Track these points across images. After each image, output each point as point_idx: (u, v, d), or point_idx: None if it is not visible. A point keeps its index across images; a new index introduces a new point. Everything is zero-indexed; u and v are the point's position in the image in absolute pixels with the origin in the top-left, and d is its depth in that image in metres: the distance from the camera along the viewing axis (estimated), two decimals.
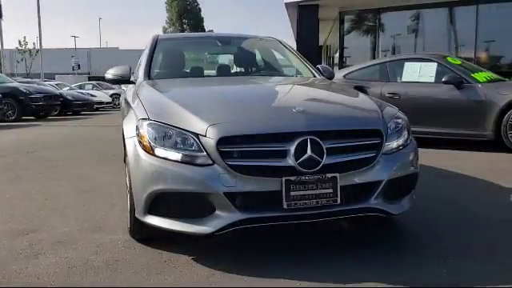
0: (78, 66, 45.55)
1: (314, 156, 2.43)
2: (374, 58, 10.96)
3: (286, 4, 10.58)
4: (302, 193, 2.43)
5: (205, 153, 2.43)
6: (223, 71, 4.18)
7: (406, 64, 7.04)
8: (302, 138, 2.43)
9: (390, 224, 3.14)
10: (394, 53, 10.96)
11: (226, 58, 4.44)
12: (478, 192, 4.16)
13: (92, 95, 21.26)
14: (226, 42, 4.59)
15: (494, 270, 2.41)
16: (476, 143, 6.45)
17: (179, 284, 2.31)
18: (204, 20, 72.76)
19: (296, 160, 2.41)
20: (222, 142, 2.40)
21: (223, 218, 2.42)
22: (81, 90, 22.25)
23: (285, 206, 2.42)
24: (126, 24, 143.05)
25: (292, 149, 2.42)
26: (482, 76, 6.70)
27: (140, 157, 2.57)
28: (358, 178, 2.56)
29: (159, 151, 2.51)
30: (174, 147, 2.50)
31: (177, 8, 70.65)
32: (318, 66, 4.33)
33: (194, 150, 2.46)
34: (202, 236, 2.54)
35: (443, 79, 6.49)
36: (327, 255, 2.64)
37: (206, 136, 2.44)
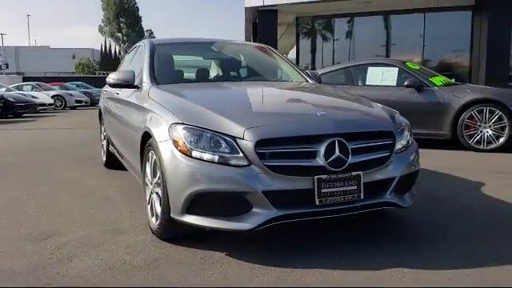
0: (6, 65, 43.02)
1: (342, 156, 2.67)
2: (328, 61, 11.47)
3: (246, 8, 10.82)
4: (331, 190, 2.66)
5: (242, 154, 2.60)
6: (226, 76, 4.35)
7: (370, 69, 7.49)
8: (330, 140, 2.67)
9: (383, 216, 3.46)
10: (349, 58, 11.51)
11: (223, 63, 4.58)
12: (441, 185, 4.60)
13: (33, 97, 20.33)
14: (221, 48, 4.76)
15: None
16: (435, 142, 7.00)
17: (227, 279, 2.46)
18: (142, 19, 71.48)
19: (326, 160, 2.64)
20: (259, 144, 2.59)
21: (261, 214, 2.60)
22: (21, 92, 21.22)
23: (317, 203, 2.64)
24: (57, 22, 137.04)
25: (322, 149, 2.65)
26: (439, 80, 7.28)
27: (178, 159, 2.69)
28: (377, 175, 2.83)
29: (196, 153, 2.65)
30: (211, 149, 2.65)
31: (114, 6, 68.79)
32: (307, 71, 4.60)
33: (230, 152, 2.62)
34: (242, 232, 2.70)
35: (405, 83, 6.99)
36: (347, 246, 2.89)
37: (243, 139, 2.61)
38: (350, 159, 2.70)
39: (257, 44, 4.81)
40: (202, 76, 4.29)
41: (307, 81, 4.32)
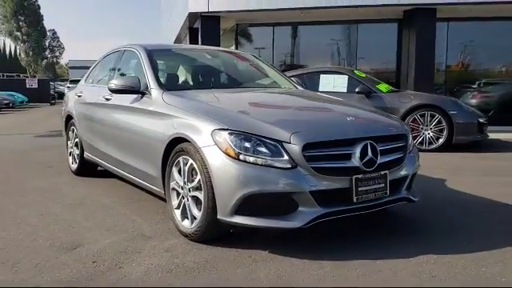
0: None
1: (373, 157, 2.98)
2: None
3: (189, 14, 10.84)
4: (365, 188, 2.96)
5: (287, 157, 2.80)
6: (229, 83, 4.47)
7: (322, 76, 7.96)
8: (364, 143, 2.96)
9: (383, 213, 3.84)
10: (285, 64, 12.02)
11: (220, 70, 4.68)
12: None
13: None
14: (215, 55, 4.87)
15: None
16: None
17: (287, 273, 2.64)
18: (44, 18, 67.32)
19: (361, 161, 2.93)
20: (306, 147, 2.80)
21: (308, 213, 2.82)
22: None
23: (354, 200, 2.92)
24: None
25: (357, 151, 2.93)
26: (383, 87, 7.95)
27: (227, 163, 2.81)
28: (397, 174, 3.18)
29: (244, 157, 2.80)
30: (258, 153, 2.81)
31: (11, 4, 64.04)
32: (292, 78, 4.88)
33: (276, 155, 2.80)
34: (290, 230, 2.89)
35: (356, 90, 7.54)
36: (374, 240, 3.20)
37: (290, 143, 2.81)
38: (379, 160, 3.02)
39: (243, 52, 4.99)
40: (207, 82, 4.39)
41: (296, 87, 4.60)
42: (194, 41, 12.76)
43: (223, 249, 2.98)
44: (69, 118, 5.59)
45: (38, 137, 9.87)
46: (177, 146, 3.23)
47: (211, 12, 10.53)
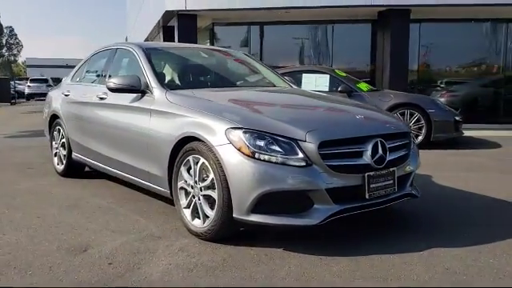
0: None
1: (383, 154, 3.05)
2: None
3: (166, 12, 10.70)
4: (376, 184, 3.03)
5: (302, 155, 2.83)
6: (229, 82, 4.46)
7: (304, 75, 8.05)
8: (375, 140, 3.03)
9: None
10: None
11: (217, 69, 4.67)
12: None
13: None
14: (210, 54, 4.84)
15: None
16: None
17: (306, 270, 2.67)
18: (1, 15, 64.92)
19: (372, 158, 3.00)
20: (321, 145, 2.85)
21: (323, 210, 2.86)
22: None
23: (367, 196, 2.99)
24: None
25: (369, 149, 3.00)
26: (364, 86, 8.11)
27: (242, 162, 2.82)
28: (403, 170, 3.27)
29: (260, 155, 2.81)
30: (273, 151, 2.83)
31: None
32: (286, 77, 4.92)
33: (291, 153, 2.83)
34: (306, 228, 2.93)
35: (339, 89, 7.66)
36: (387, 236, 3.27)
37: (305, 141, 2.84)
38: (388, 157, 3.10)
39: (234, 51, 4.99)
40: (208, 81, 4.36)
41: (291, 86, 4.64)
42: (168, 39, 12.60)
43: (238, 247, 2.99)
44: (54, 117, 5.44)
45: (8, 137, 9.52)
46: (186, 146, 3.21)
47: (189, 10, 10.44)
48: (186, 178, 3.24)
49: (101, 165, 4.48)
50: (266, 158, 2.82)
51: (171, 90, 3.69)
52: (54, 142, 5.50)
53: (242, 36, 12.00)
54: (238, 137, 2.87)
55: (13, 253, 2.95)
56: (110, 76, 4.48)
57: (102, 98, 4.33)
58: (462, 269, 2.69)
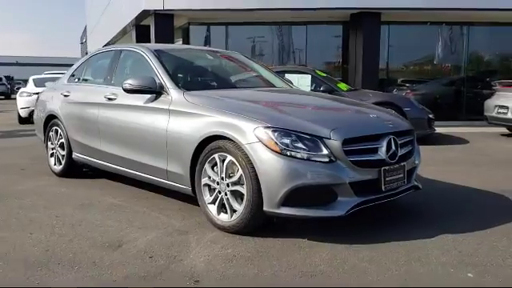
0: None
1: (396, 150, 3.34)
2: None
3: (143, 11, 10.67)
4: (391, 178, 3.32)
5: (327, 151, 3.07)
6: (241, 83, 4.63)
7: (287, 75, 8.26)
8: (388, 137, 3.32)
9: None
10: None
11: (227, 71, 4.83)
12: None
13: None
14: (214, 56, 4.99)
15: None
16: None
17: (336, 257, 2.91)
18: None
19: (386, 154, 3.28)
20: (345, 142, 3.10)
21: (346, 202, 3.11)
22: None
23: (383, 189, 3.27)
24: None
25: (384, 145, 3.28)
26: (343, 86, 8.46)
27: (273, 158, 3.02)
28: (410, 165, 3.57)
29: (289, 152, 3.03)
30: (301, 148, 3.05)
31: None
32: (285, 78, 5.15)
33: (318, 150, 3.07)
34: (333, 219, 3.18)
35: (322, 88, 7.95)
36: (403, 226, 3.56)
37: (330, 138, 3.08)
38: (399, 153, 3.39)
39: (234, 52, 5.18)
40: (219, 82, 4.51)
41: (291, 86, 4.89)
42: (142, 39, 12.56)
43: (265, 239, 3.18)
44: (50, 118, 5.43)
45: None
46: (210, 144, 3.37)
47: (166, 10, 10.48)
48: (210, 175, 3.40)
49: (108, 164, 4.55)
50: (295, 154, 3.04)
51: (188, 90, 3.84)
52: (49, 143, 5.49)
53: (218, 36, 12.14)
54: (268, 135, 3.07)
55: (50, 250, 3.03)
56: (115, 77, 4.58)
57: (110, 99, 4.41)
58: (472, 251, 3.00)
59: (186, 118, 3.61)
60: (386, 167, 3.27)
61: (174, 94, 3.82)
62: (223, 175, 3.32)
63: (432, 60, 13.19)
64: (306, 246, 3.08)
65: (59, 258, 2.89)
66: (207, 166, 3.42)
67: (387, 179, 3.28)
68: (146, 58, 4.24)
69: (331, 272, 2.68)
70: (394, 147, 3.33)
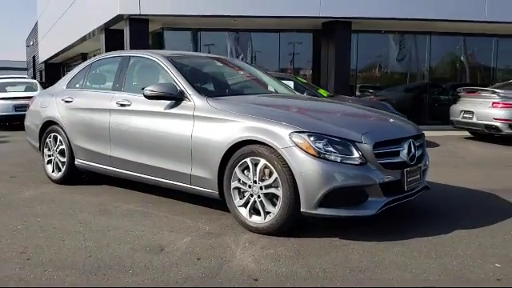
0: None
1: (414, 153, 3.60)
2: None
3: (118, 16, 10.53)
4: (411, 178, 3.57)
5: (358, 154, 3.28)
6: (255, 89, 4.77)
7: None
8: (408, 141, 3.58)
9: None
10: None
11: (237, 77, 4.94)
12: None
13: None
14: (224, 62, 5.10)
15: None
16: None
17: (375, 254, 3.11)
18: None
19: (407, 156, 3.53)
20: (376, 145, 3.32)
21: (376, 202, 3.33)
22: None
23: (406, 189, 3.52)
24: None
25: (405, 148, 3.53)
26: (323, 92, 8.75)
27: (310, 162, 3.19)
28: (424, 166, 3.84)
29: (325, 156, 3.22)
30: (336, 152, 3.25)
31: None
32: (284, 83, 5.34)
33: (351, 153, 3.27)
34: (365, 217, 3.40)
35: (304, 94, 8.20)
36: (419, 223, 3.81)
37: (362, 142, 3.30)
38: (416, 154, 3.65)
39: (235, 59, 5.33)
40: (237, 88, 4.63)
41: (294, 92, 5.09)
42: (112, 43, 12.40)
43: (299, 239, 3.34)
44: (47, 124, 5.33)
45: None
46: (242, 148, 3.49)
47: (141, 15, 10.43)
48: (241, 178, 3.52)
49: (118, 170, 4.54)
50: (330, 157, 3.22)
51: (210, 96, 3.94)
52: (45, 150, 5.38)
53: (192, 41, 12.18)
54: (304, 140, 3.24)
55: (93, 256, 3.05)
56: (126, 83, 4.60)
57: (123, 105, 4.42)
58: (489, 244, 3.29)
59: (212, 124, 3.71)
60: (408, 168, 3.52)
61: (196, 100, 3.90)
62: (256, 178, 3.44)
63: (397, 67, 13.81)
64: (340, 244, 3.26)
65: (106, 263, 2.92)
66: (237, 170, 3.53)
67: (409, 180, 3.53)
68: (162, 65, 4.29)
69: (376, 267, 2.87)
70: (413, 150, 3.59)
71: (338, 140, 3.28)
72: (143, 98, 4.19)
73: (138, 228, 3.63)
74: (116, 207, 4.25)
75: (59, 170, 5.23)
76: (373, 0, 10.94)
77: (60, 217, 3.95)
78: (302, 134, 3.27)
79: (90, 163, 4.85)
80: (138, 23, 10.74)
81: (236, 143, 3.53)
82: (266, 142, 3.36)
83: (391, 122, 3.86)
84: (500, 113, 9.02)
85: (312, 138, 3.25)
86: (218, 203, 3.90)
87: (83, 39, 15.71)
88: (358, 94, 13.03)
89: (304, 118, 3.62)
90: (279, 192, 3.32)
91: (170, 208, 4.17)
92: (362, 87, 13.68)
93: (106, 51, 12.87)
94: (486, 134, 9.54)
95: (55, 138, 5.24)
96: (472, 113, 9.51)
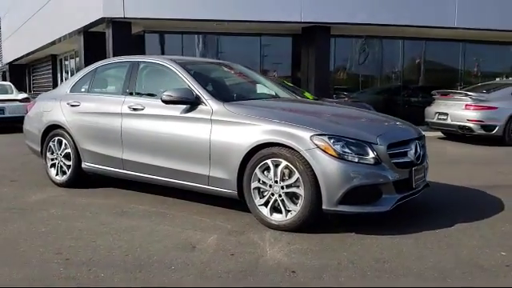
0: None
1: (420, 153, 3.92)
2: None
3: (101, 18, 10.49)
4: (417, 176, 3.88)
5: (375, 155, 3.55)
6: (264, 94, 4.96)
7: (258, 85, 8.69)
8: (415, 142, 3.89)
9: None
10: None
11: (244, 82, 5.14)
12: None
13: None
14: (229, 67, 5.28)
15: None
16: None
17: (397, 244, 3.38)
18: None
19: (414, 156, 3.84)
20: (389, 146, 3.60)
21: (389, 199, 3.61)
22: None
23: (413, 186, 3.82)
24: None
25: (413, 149, 3.84)
26: (309, 95, 9.05)
27: (332, 162, 3.44)
28: (425, 165, 4.16)
29: (345, 156, 3.48)
30: (354, 152, 3.51)
31: None
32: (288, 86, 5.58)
33: (367, 154, 3.54)
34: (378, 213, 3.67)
35: None
36: (428, 218, 4.12)
37: (377, 144, 3.57)
38: (421, 154, 3.97)
39: (234, 63, 5.55)
40: (249, 93, 4.83)
41: (296, 97, 5.34)
42: (92, 46, 12.34)
43: (319, 235, 3.57)
44: (51, 128, 5.36)
45: None
46: (262, 150, 3.70)
47: (126, 18, 10.45)
48: (261, 179, 3.73)
49: (130, 172, 4.65)
50: (349, 158, 3.48)
51: (227, 101, 4.13)
52: (49, 154, 5.41)
53: (174, 45, 12.26)
54: (325, 142, 3.49)
55: (130, 254, 3.19)
56: (137, 88, 4.74)
57: (135, 109, 4.55)
58: (490, 235, 3.63)
59: (231, 127, 3.90)
60: (415, 167, 3.83)
61: (212, 104, 4.09)
62: (277, 179, 3.66)
63: (371, 70, 14.32)
64: (358, 238, 3.52)
65: (146, 261, 3.07)
66: (258, 171, 3.74)
67: (415, 177, 3.84)
68: (175, 70, 4.45)
69: (397, 258, 3.14)
70: (418, 150, 3.91)
71: (356, 142, 3.55)
72: (157, 102, 4.37)
73: (162, 228, 3.78)
74: (131, 209, 4.37)
75: (64, 173, 5.28)
76: (352, 6, 11.37)
77: (80, 219, 4.04)
78: (322, 137, 3.51)
79: (99, 166, 4.94)
80: (121, 26, 10.74)
81: (256, 146, 3.73)
82: (288, 145, 3.58)
83: (398, 124, 4.17)
84: (472, 114, 9.56)
85: (332, 140, 3.50)
86: (232, 203, 4.11)
87: (57, 41, 15.47)
88: (334, 96, 13.44)
89: (322, 121, 3.87)
90: (301, 191, 3.55)
91: (184, 208, 4.32)
92: (337, 89, 14.11)
93: (85, 53, 12.80)
94: (458, 135, 10.07)
95: (59, 142, 5.29)
96: (446, 114, 10.02)
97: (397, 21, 11.78)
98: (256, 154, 3.74)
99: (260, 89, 5.20)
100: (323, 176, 3.46)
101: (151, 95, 4.66)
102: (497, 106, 9.46)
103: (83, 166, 5.09)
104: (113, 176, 4.94)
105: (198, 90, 4.21)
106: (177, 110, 4.24)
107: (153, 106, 4.45)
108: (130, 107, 4.60)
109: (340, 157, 3.47)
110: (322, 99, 9.38)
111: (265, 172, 3.73)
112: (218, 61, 5.49)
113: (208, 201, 4.39)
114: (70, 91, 5.43)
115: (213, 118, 4.03)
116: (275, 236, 3.56)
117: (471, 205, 4.61)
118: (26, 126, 5.88)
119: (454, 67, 14.89)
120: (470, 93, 9.92)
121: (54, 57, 21.35)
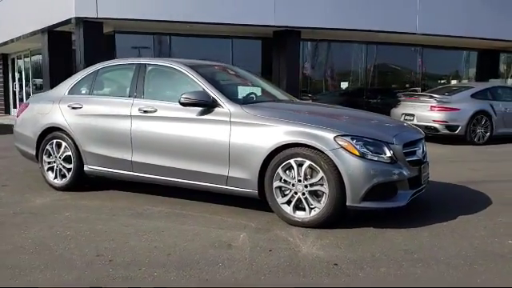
0: None
1: (426, 151, 4.24)
2: None
3: (73, 18, 10.19)
4: (425, 173, 4.20)
5: (391, 154, 3.82)
6: (273, 96, 5.13)
7: (239, 87, 8.83)
8: (421, 142, 4.21)
9: None
10: None
11: (255, 85, 5.29)
12: None
13: None
14: (232, 70, 5.41)
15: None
16: None
17: (415, 236, 3.65)
18: None
19: (422, 154, 4.15)
20: (405, 146, 3.89)
21: (404, 194, 3.89)
22: None
23: (422, 182, 4.13)
24: None
25: (421, 148, 4.16)
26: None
27: (355, 161, 3.68)
28: (427, 163, 4.49)
29: (368, 156, 3.72)
30: (374, 152, 3.77)
31: None
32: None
33: (386, 153, 3.81)
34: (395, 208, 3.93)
35: None
36: (435, 213, 4.42)
37: (393, 143, 3.84)
38: (426, 153, 4.29)
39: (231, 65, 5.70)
40: (262, 96, 4.97)
41: (300, 100, 5.56)
42: (58, 45, 11.99)
43: (343, 230, 3.79)
44: (48, 131, 5.26)
45: None
46: (285, 151, 3.87)
47: (99, 18, 10.26)
48: (284, 178, 3.90)
49: (140, 174, 4.67)
50: (369, 157, 3.73)
51: (243, 104, 4.28)
52: (45, 157, 5.31)
53: (145, 45, 12.16)
54: (348, 142, 3.71)
55: (172, 254, 3.27)
56: (147, 91, 4.77)
57: (146, 112, 4.58)
58: (493, 226, 3.98)
59: (252, 128, 4.04)
60: (423, 165, 4.14)
61: (230, 106, 4.21)
62: (300, 178, 3.84)
63: (338, 72, 14.84)
64: (377, 232, 3.77)
65: (191, 259, 3.17)
66: (280, 170, 3.90)
67: (424, 174, 4.15)
68: (188, 74, 4.53)
69: (422, 248, 3.42)
70: (424, 149, 4.23)
71: (374, 141, 3.80)
72: (169, 104, 4.46)
73: (187, 228, 3.86)
74: (145, 210, 4.41)
75: (63, 176, 5.20)
76: (323, 12, 11.75)
77: (100, 222, 4.04)
78: (345, 137, 3.74)
79: (104, 169, 4.92)
80: (93, 26, 10.53)
81: (278, 147, 3.90)
82: (312, 145, 3.78)
83: (405, 125, 4.48)
84: (437, 115, 10.15)
85: (354, 141, 3.73)
86: (248, 202, 4.26)
87: (10, 41, 14.87)
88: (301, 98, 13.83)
89: (343, 123, 4.10)
90: (325, 189, 3.75)
91: (201, 209, 4.41)
92: (301, 92, 14.51)
93: (50, 53, 12.41)
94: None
95: (58, 145, 5.20)
96: (413, 115, 10.56)
97: (365, 26, 12.30)
98: (279, 154, 3.91)
99: (268, 91, 5.38)
100: (348, 174, 3.68)
101: (162, 98, 4.70)
102: (459, 108, 10.10)
103: (85, 168, 5.04)
104: (119, 178, 4.93)
105: (213, 92, 4.32)
106: (193, 113, 4.33)
107: (166, 108, 4.51)
108: (140, 109, 4.62)
109: (362, 156, 3.70)
110: (308, 101, 9.66)
111: (287, 171, 3.90)
112: (221, 64, 5.58)
113: (218, 201, 4.49)
114: (69, 93, 5.35)
115: (232, 119, 4.15)
116: (302, 232, 3.73)
117: (464, 199, 4.97)
118: (18, 128, 5.72)
119: (412, 70, 15.75)
120: (434, 94, 10.52)
121: (4, 56, 20.41)
